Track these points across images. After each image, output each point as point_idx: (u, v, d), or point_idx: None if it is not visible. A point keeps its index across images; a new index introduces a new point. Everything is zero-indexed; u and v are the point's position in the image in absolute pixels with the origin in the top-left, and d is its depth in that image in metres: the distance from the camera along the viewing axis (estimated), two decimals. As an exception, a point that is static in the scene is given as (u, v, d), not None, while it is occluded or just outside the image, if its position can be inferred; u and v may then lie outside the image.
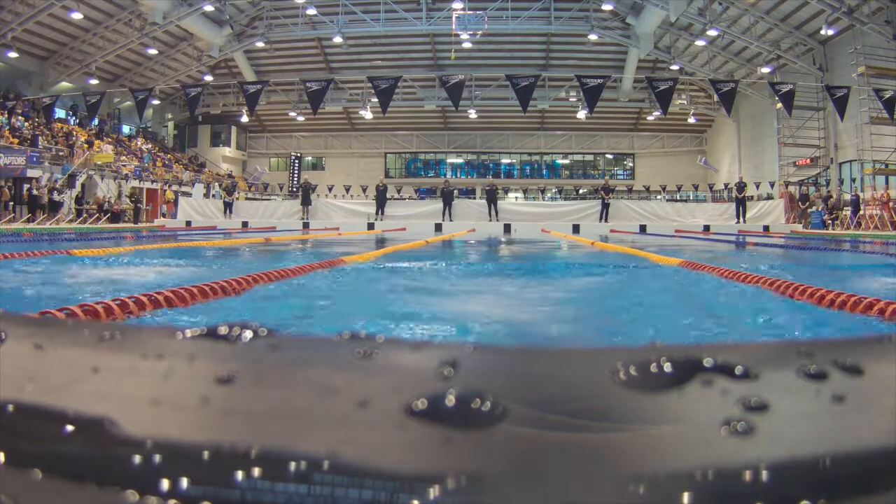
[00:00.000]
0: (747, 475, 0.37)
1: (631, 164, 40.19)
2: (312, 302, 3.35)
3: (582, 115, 32.62)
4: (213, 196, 23.32)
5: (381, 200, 21.46)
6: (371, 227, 19.40)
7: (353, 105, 35.00)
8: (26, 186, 21.41)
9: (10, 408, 0.47)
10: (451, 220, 20.50)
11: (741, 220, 20.48)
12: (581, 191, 38.73)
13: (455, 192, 22.32)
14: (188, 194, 26.61)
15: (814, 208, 23.69)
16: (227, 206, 22.36)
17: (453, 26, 28.04)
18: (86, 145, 27.31)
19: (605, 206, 21.03)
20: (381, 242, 10.65)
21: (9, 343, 0.63)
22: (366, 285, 4.15)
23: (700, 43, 28.42)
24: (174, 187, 29.56)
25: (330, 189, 31.71)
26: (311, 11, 28.59)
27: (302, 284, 3.86)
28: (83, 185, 24.38)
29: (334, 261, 5.06)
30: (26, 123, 24.93)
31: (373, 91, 24.45)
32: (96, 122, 29.63)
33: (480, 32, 28.35)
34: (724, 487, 0.37)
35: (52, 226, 17.38)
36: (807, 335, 2.50)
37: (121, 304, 2.43)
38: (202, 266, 5.71)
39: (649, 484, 0.37)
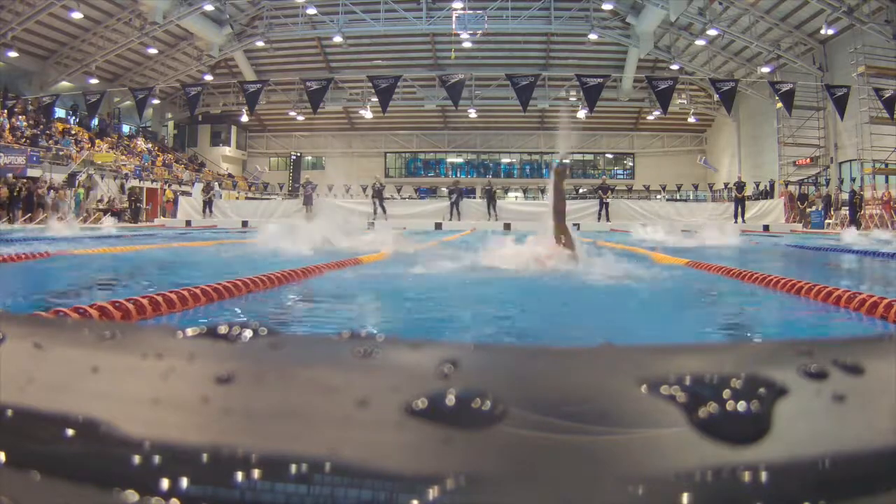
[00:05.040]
0: (748, 476, 0.37)
1: (631, 164, 40.18)
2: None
3: (582, 114, 32.62)
4: (214, 195, 23.38)
5: (378, 199, 21.46)
6: (371, 226, 19.39)
7: (353, 104, 35.00)
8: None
9: (10, 408, 0.47)
10: (458, 220, 20.66)
11: (740, 219, 20.49)
12: (581, 190, 38.74)
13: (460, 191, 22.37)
14: (188, 194, 26.60)
15: (814, 208, 23.70)
16: (207, 205, 22.24)
17: (453, 26, 28.03)
18: (88, 144, 27.32)
19: (604, 205, 21.06)
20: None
21: (9, 343, 0.63)
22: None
23: (700, 42, 28.40)
24: (174, 187, 29.55)
25: (330, 189, 31.71)
26: (311, 11, 28.58)
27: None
28: (83, 185, 24.36)
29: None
30: (25, 123, 24.92)
31: (373, 90, 24.46)
32: (96, 121, 29.64)
33: (480, 32, 28.35)
34: (725, 489, 0.37)
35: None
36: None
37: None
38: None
39: (649, 485, 0.37)
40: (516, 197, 36.61)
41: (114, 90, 29.23)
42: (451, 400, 0.47)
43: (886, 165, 21.78)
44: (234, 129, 38.87)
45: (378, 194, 21.53)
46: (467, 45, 30.12)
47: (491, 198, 21.53)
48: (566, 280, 3.96)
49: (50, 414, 0.47)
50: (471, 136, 39.82)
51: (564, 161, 5.29)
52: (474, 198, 24.39)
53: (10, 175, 20.45)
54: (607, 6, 27.53)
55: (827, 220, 22.39)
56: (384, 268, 5.01)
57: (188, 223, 20.91)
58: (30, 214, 19.74)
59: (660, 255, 6.34)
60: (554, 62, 32.47)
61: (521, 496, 0.37)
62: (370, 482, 0.37)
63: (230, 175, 37.48)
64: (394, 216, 21.13)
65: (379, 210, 21.24)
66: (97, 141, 28.98)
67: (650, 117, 35.84)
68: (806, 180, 26.79)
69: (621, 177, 39.67)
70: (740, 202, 21.01)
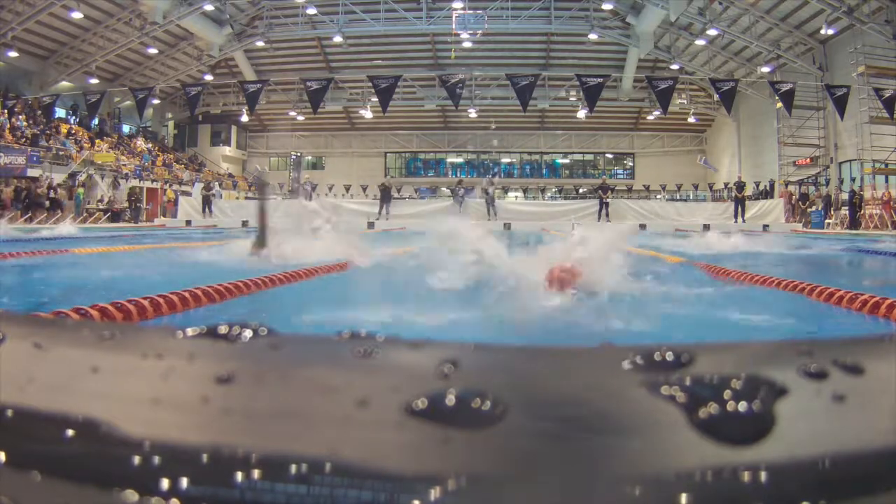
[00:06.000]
0: (748, 477, 0.37)
1: (631, 164, 40.17)
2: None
3: (582, 114, 32.61)
4: (214, 195, 23.34)
5: (385, 200, 21.52)
6: (371, 226, 19.41)
7: (353, 104, 34.99)
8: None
9: (10, 408, 0.47)
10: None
11: (740, 219, 20.50)
12: (581, 190, 38.70)
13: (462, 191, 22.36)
14: (188, 194, 26.60)
15: (814, 208, 23.70)
16: (207, 204, 22.12)
17: (453, 26, 28.03)
18: (88, 144, 27.33)
19: (605, 205, 21.08)
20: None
21: (9, 343, 0.63)
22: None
23: (700, 42, 28.40)
24: (174, 187, 29.56)
25: (330, 188, 31.74)
26: (311, 11, 28.57)
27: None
28: (83, 185, 24.37)
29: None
30: (25, 123, 24.93)
31: (373, 90, 24.47)
32: (96, 121, 29.64)
33: (480, 32, 28.35)
34: (725, 489, 0.37)
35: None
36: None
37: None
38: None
39: (649, 485, 0.37)
40: (516, 197, 36.59)
41: (114, 90, 29.22)
42: (451, 400, 0.47)
43: (886, 165, 21.77)
44: (234, 128, 38.87)
45: (386, 194, 21.56)
46: (467, 45, 30.12)
47: (491, 198, 21.55)
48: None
49: (50, 414, 0.47)
50: (471, 136, 39.82)
51: None
52: (474, 197, 24.41)
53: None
54: (607, 6, 27.52)
55: (827, 220, 22.39)
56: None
57: (188, 223, 20.92)
58: (30, 214, 19.74)
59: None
60: (554, 62, 32.47)
61: (521, 496, 0.37)
62: (370, 482, 0.37)
63: (230, 175, 37.47)
64: (395, 216, 21.16)
65: (383, 210, 21.27)
66: (97, 141, 28.98)
67: (650, 117, 35.83)
68: (806, 180, 26.79)
69: (621, 177, 39.66)
70: (740, 202, 21.01)
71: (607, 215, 20.79)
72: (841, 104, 20.92)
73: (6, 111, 24.18)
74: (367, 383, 0.53)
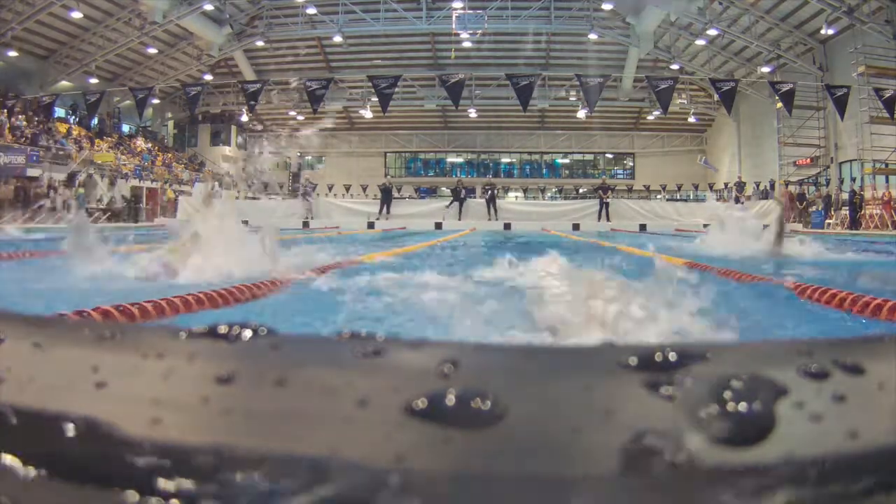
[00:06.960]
0: (748, 478, 0.37)
1: (631, 164, 40.18)
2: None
3: (582, 114, 32.62)
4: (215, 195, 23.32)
5: (386, 200, 21.56)
6: (371, 226, 19.41)
7: (353, 104, 35.00)
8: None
9: (10, 408, 0.47)
10: (459, 219, 20.71)
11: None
12: (581, 190, 38.71)
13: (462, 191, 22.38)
14: (188, 193, 26.61)
15: (814, 208, 23.71)
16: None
17: (453, 25, 28.05)
18: (87, 143, 27.33)
19: (605, 205, 21.12)
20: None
21: (9, 343, 0.63)
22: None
23: (700, 42, 28.42)
24: (174, 186, 29.56)
25: (330, 188, 31.74)
26: (311, 10, 28.58)
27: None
28: (83, 185, 24.37)
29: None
30: (25, 122, 24.93)
31: (373, 90, 24.48)
32: (96, 121, 29.66)
33: (480, 31, 28.37)
34: (725, 490, 0.37)
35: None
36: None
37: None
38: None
39: (650, 486, 0.37)
40: (516, 197, 36.60)
41: (114, 90, 29.23)
42: (451, 400, 0.47)
43: (886, 165, 21.79)
44: (233, 128, 38.88)
45: (386, 195, 21.59)
46: (467, 44, 30.13)
47: (491, 197, 21.57)
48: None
49: (50, 414, 0.47)
50: (471, 136, 39.82)
51: None
52: (475, 197, 24.44)
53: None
54: (607, 6, 27.54)
55: (827, 221, 22.40)
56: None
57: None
58: (28, 214, 19.71)
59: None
60: (554, 62, 32.48)
61: (521, 496, 0.37)
62: (370, 482, 0.37)
63: (229, 175, 37.48)
64: (395, 215, 21.18)
65: (383, 210, 21.31)
66: (97, 141, 28.98)
67: (650, 117, 35.83)
68: (806, 180, 26.80)
69: (621, 177, 39.66)
70: (740, 202, 21.06)
71: (607, 216, 20.81)
72: (841, 104, 20.95)
73: (6, 111, 24.18)
74: (367, 383, 0.53)
